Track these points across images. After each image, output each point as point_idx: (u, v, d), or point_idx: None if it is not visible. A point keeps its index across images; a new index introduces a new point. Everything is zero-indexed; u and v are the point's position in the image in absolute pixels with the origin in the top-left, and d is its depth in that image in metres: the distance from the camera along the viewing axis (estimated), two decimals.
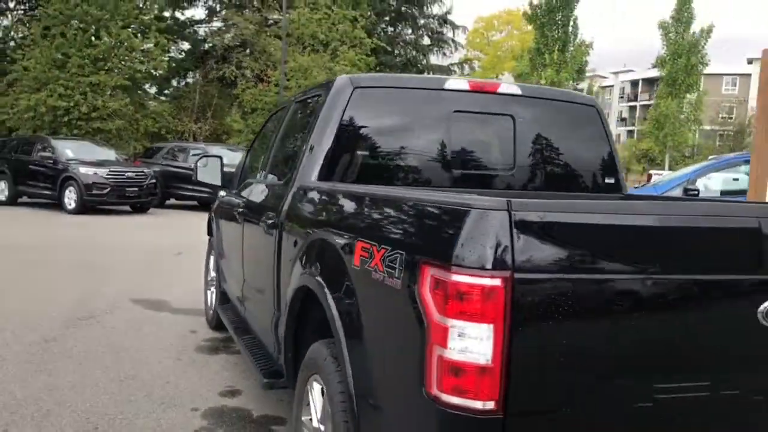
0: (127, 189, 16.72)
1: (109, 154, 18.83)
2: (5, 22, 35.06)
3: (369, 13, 45.27)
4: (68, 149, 17.44)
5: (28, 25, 30.57)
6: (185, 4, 42.51)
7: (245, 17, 36.01)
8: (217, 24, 41.19)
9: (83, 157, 17.14)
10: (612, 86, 77.89)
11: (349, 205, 2.85)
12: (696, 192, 8.54)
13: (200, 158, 5.29)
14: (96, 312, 6.56)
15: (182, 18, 42.92)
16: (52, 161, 16.99)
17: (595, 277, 1.85)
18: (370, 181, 3.50)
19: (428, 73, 52.55)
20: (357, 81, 3.60)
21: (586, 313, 1.85)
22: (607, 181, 4.02)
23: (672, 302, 1.93)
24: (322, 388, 2.64)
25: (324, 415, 2.61)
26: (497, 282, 1.77)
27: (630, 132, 68.52)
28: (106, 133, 28.03)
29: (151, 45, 31.59)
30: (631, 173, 42.56)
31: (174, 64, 39.35)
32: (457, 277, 1.80)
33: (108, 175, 16.53)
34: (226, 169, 5.32)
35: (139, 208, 17.50)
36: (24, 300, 6.92)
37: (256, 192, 4.52)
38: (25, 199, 18.48)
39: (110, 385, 4.59)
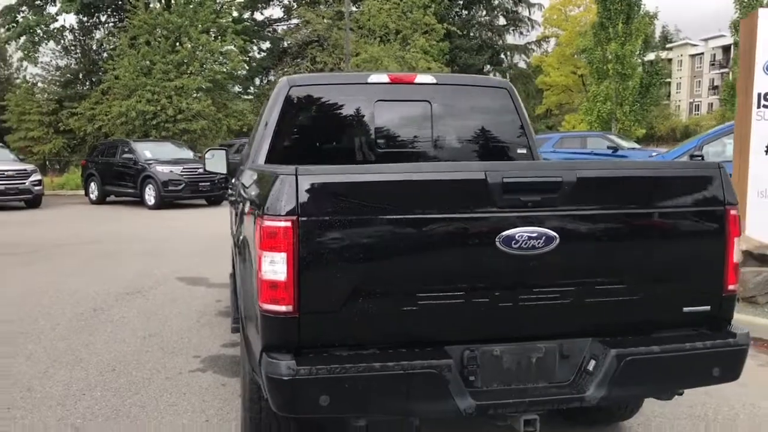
0: (200, 184, 18.17)
1: (186, 153, 20.36)
2: (98, 35, 37.65)
3: None
4: (147, 150, 19.09)
5: (117, 36, 32.80)
6: (262, 5, 44.14)
7: (317, 12, 37.08)
8: (294, 21, 42.65)
9: (160, 156, 18.73)
10: (702, 54, 75.03)
11: (248, 178, 3.68)
12: (700, 158, 8.86)
13: (207, 151, 6.23)
14: (143, 288, 7.70)
15: (260, 18, 44.70)
16: (132, 162, 18.69)
17: (362, 217, 2.61)
18: (309, 161, 4.33)
19: (505, 54, 52.30)
20: (293, 81, 4.43)
21: (356, 242, 2.60)
22: (519, 151, 4.69)
23: (426, 233, 2.66)
24: None
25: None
26: (288, 224, 2.57)
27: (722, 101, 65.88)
28: (191, 134, 29.95)
29: (230, 47, 33.32)
30: None
31: (254, 64, 41.09)
32: (266, 222, 2.62)
33: (182, 172, 18.05)
34: None
35: (213, 201, 18.93)
36: (87, 281, 8.14)
37: (241, 177, 5.43)
38: (112, 198, 20.32)
39: (135, 340, 5.64)
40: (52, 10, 33.76)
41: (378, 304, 2.66)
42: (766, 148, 7.10)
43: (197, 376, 4.78)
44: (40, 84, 35.70)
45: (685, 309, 2.91)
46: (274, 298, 2.62)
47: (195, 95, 30.87)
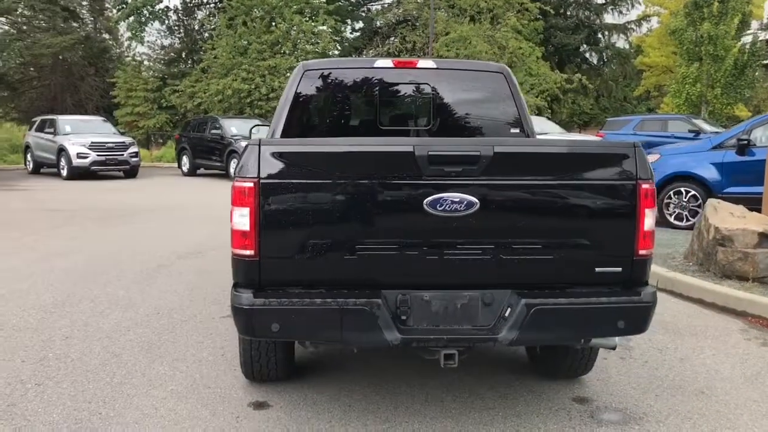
0: None
1: None
2: (200, 15, 39.45)
3: None
4: (233, 126, 20.23)
5: (216, 17, 34.37)
6: None
7: None
8: (388, 0, 43.18)
9: (246, 132, 19.75)
10: None
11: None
12: (746, 141, 8.90)
13: (253, 127, 6.94)
14: (205, 249, 8.57)
15: None
16: (220, 137, 19.90)
17: (312, 181, 3.20)
18: (318, 135, 4.94)
19: (602, 33, 50.87)
20: (307, 65, 5.03)
21: (306, 198, 3.19)
22: (512, 131, 5.12)
23: (364, 195, 3.20)
24: None
25: None
26: (251, 184, 3.19)
27: None
28: None
29: (323, 27, 34.27)
30: None
31: (346, 44, 41.96)
32: (236, 183, 3.25)
33: None
34: None
35: None
36: (161, 242, 9.10)
37: None
38: (202, 170, 21.68)
39: (184, 291, 6.46)
40: None
41: (324, 253, 3.25)
42: None
43: (226, 321, 5.50)
44: (146, 62, 37.84)
45: (598, 269, 3.35)
46: (242, 245, 3.26)
47: (287, 75, 31.99)
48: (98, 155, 19.19)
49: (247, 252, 3.25)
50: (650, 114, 31.17)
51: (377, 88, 5.05)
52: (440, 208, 3.20)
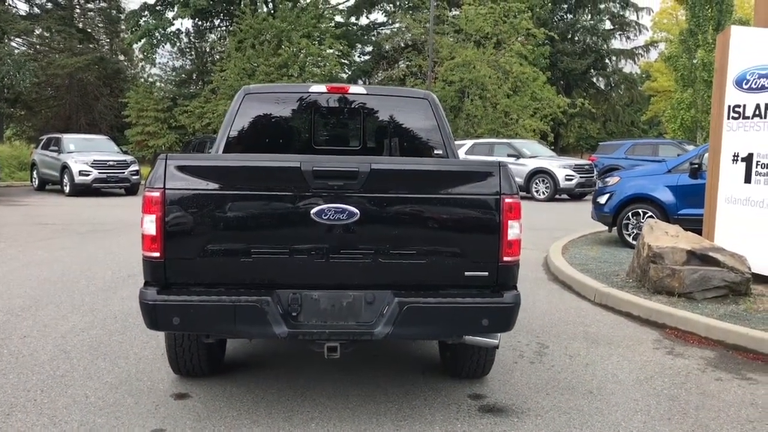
0: None
1: None
2: (211, 38, 40.39)
3: (546, 2, 45.63)
4: None
5: (225, 40, 35.23)
6: (366, 10, 45.64)
7: (415, 18, 37.98)
8: (397, 25, 43.91)
9: None
10: None
11: None
12: (698, 165, 9.27)
13: None
14: None
15: (365, 23, 46.25)
16: None
17: (211, 192, 3.64)
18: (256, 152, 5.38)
19: (609, 58, 51.21)
20: (248, 89, 5.50)
21: (206, 207, 3.62)
22: (435, 152, 5.54)
23: (257, 205, 3.63)
24: None
25: None
26: (158, 194, 3.64)
27: None
28: None
29: (330, 51, 35.01)
30: None
31: (354, 68, 42.72)
32: (147, 193, 3.70)
33: None
34: None
35: None
36: (134, 256, 9.47)
37: None
38: None
39: None
40: (169, 14, 36.56)
41: (223, 255, 3.69)
42: (733, 157, 7.56)
43: None
44: (157, 83, 38.77)
45: (467, 273, 3.76)
46: (150, 248, 3.71)
47: None
48: (100, 173, 19.83)
49: (154, 254, 3.69)
50: (642, 139, 31.41)
51: (312, 110, 5.51)
52: (325, 217, 3.63)
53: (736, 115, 7.46)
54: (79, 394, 4.35)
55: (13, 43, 36.65)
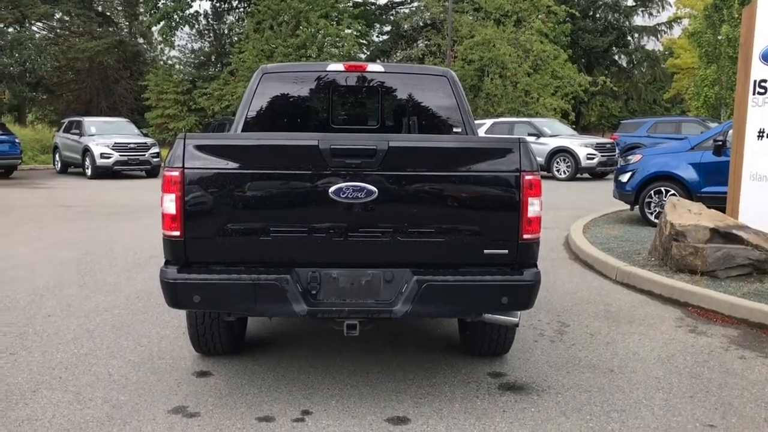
0: None
1: None
2: (230, 19, 40.34)
3: None
4: None
5: (243, 21, 35.19)
6: None
7: None
8: (416, 4, 43.57)
9: None
10: None
11: None
12: (722, 142, 9.12)
13: None
14: None
15: (383, 2, 45.90)
16: None
17: (230, 171, 3.64)
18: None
19: (631, 35, 50.41)
20: (266, 69, 5.48)
21: (225, 186, 3.63)
22: (455, 130, 5.51)
23: (276, 183, 3.63)
24: None
25: None
26: (177, 173, 3.65)
27: None
28: None
29: (348, 31, 34.84)
30: None
31: (373, 48, 42.46)
32: (166, 172, 3.71)
33: None
34: None
35: None
36: (155, 237, 9.61)
37: None
38: None
39: None
40: None
41: (241, 234, 3.70)
42: (758, 133, 7.43)
43: None
44: (176, 66, 38.86)
45: (486, 251, 3.74)
46: (170, 227, 3.72)
47: None
48: (121, 155, 19.97)
49: (174, 233, 3.70)
50: (664, 117, 30.99)
51: (329, 89, 5.49)
52: (343, 196, 3.62)
53: (762, 90, 7.32)
54: (103, 372, 4.41)
55: (34, 28, 36.89)
